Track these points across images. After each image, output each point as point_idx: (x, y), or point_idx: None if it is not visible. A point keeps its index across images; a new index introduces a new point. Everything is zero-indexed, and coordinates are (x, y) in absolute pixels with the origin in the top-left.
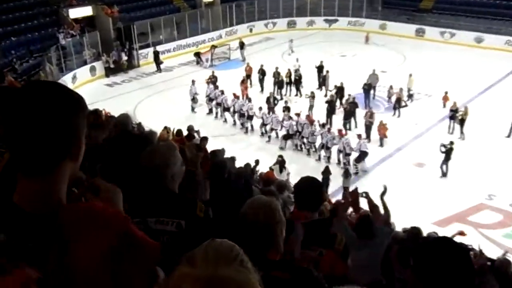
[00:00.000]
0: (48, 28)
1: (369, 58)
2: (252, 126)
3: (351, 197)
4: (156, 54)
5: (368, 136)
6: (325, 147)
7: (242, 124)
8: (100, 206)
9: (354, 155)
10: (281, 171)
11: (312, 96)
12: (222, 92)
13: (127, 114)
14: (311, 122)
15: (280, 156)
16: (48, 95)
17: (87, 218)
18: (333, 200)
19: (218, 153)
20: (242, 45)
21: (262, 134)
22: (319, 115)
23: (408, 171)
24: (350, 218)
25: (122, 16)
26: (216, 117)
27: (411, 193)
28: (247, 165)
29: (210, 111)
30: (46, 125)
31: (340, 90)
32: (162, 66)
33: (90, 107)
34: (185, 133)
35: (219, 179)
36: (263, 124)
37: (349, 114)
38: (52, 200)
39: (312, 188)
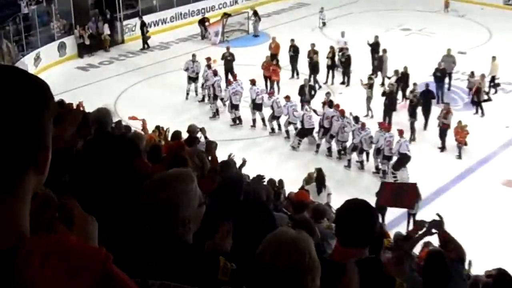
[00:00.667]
0: None
1: (443, 34)
2: (239, 118)
3: (417, 228)
4: (142, 26)
5: (443, 144)
6: (359, 149)
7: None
8: (74, 240)
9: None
10: (319, 191)
11: (370, 84)
12: (215, 74)
13: (106, 109)
14: (342, 113)
15: (319, 169)
16: (3, 85)
17: (58, 256)
18: (392, 233)
19: (230, 165)
20: (255, 14)
21: (273, 130)
22: (375, 111)
23: (494, 192)
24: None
25: None
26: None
27: (498, 221)
28: (270, 182)
29: (203, 99)
30: (1, 129)
31: (403, 78)
32: (152, 42)
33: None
34: (184, 135)
35: (230, 203)
36: (274, 117)
37: (424, 108)
38: (11, 230)
39: (360, 216)
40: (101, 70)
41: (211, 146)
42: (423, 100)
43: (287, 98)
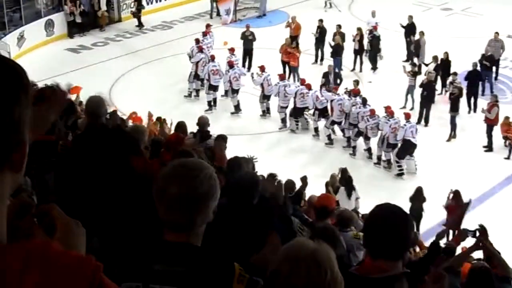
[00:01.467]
0: None
1: (490, 15)
2: (215, 99)
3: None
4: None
5: (489, 142)
6: (365, 135)
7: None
8: (58, 247)
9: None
10: (349, 195)
11: (414, 72)
12: (213, 59)
13: (99, 97)
14: (356, 93)
15: (344, 170)
16: None
17: (41, 264)
18: (427, 243)
19: (243, 163)
20: None
21: (264, 113)
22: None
23: None
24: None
25: None
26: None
27: None
28: (289, 183)
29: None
30: None
31: (442, 65)
32: (153, 20)
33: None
34: (190, 128)
35: (243, 207)
36: (265, 96)
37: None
38: None
39: (393, 224)
40: (94, 52)
41: (221, 142)
42: (469, 84)
43: (281, 76)
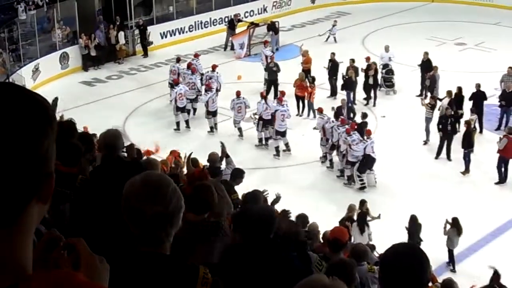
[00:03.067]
0: None
1: (504, 49)
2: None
3: None
4: (143, 30)
5: (501, 175)
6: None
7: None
8: (83, 278)
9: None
10: (362, 230)
11: (433, 105)
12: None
13: (116, 130)
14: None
15: (363, 201)
16: (1, 106)
17: None
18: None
19: (259, 197)
20: (273, 28)
21: (261, 143)
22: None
23: None
24: None
25: None
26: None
27: None
28: (301, 218)
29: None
30: (1, 155)
31: (456, 100)
32: (168, 54)
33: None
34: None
35: (260, 240)
36: (209, 113)
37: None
38: (12, 266)
39: (410, 263)
40: (109, 85)
41: (238, 176)
42: (474, 104)
43: (238, 93)
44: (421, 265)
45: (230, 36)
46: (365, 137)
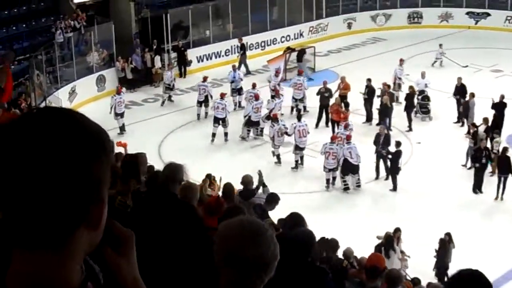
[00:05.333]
0: (41, 17)
1: None
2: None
3: None
4: (182, 51)
5: None
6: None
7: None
8: None
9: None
10: (388, 254)
11: (474, 133)
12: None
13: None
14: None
15: (397, 229)
16: (57, 131)
17: None
18: None
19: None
20: (301, 55)
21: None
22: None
23: None
24: None
25: (151, 1)
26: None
27: None
28: (331, 242)
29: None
30: (53, 178)
31: (492, 127)
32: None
33: None
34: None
35: (299, 264)
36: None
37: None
38: (60, 286)
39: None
40: (145, 108)
41: (273, 201)
42: (496, 113)
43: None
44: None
45: (243, 60)
46: (345, 142)
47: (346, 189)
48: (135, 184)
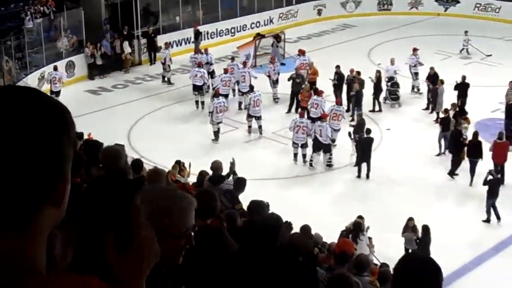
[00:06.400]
0: (10, 3)
1: (510, 63)
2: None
3: None
4: (152, 38)
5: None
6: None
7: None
8: (97, 282)
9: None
10: (356, 240)
11: (443, 120)
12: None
13: (119, 148)
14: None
15: (360, 217)
16: (18, 109)
17: None
18: None
19: (263, 205)
20: (278, 40)
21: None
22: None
23: None
24: None
25: None
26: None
27: None
28: (305, 229)
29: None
30: (18, 155)
31: (460, 113)
32: (174, 64)
33: None
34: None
35: (267, 250)
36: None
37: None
38: (25, 267)
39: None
40: (114, 94)
41: (240, 187)
42: (458, 94)
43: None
44: (436, 279)
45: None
46: (319, 121)
47: (310, 165)
48: (96, 172)
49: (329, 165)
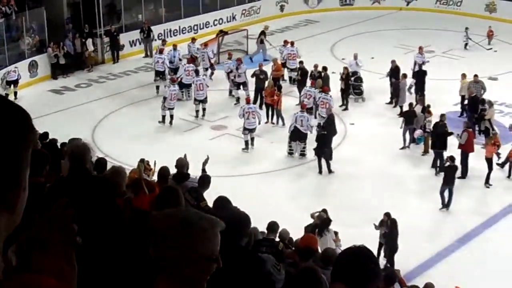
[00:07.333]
0: None
1: (472, 57)
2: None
3: None
4: (114, 37)
5: (464, 170)
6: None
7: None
8: (53, 283)
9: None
10: (321, 234)
11: (406, 114)
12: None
13: (84, 144)
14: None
15: (323, 210)
16: None
17: None
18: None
19: (228, 201)
20: (264, 35)
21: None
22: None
23: None
24: None
25: None
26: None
27: None
28: (272, 227)
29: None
30: None
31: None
32: (137, 62)
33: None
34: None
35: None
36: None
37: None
38: None
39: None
40: (78, 93)
41: (204, 184)
42: (416, 81)
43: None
44: (369, 259)
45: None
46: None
47: (290, 153)
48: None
49: (302, 153)
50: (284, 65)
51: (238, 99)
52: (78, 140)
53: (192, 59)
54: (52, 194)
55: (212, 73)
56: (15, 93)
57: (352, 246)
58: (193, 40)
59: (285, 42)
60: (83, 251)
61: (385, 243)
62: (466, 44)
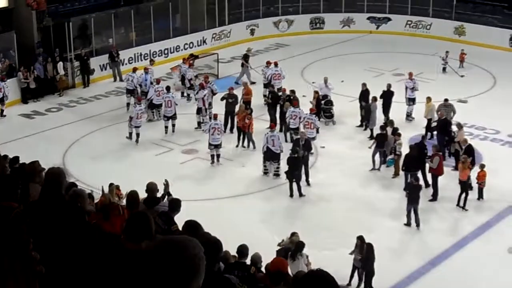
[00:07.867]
0: None
1: (442, 80)
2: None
3: None
4: (85, 60)
5: (435, 192)
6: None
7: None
8: None
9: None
10: (294, 257)
11: (378, 137)
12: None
13: (60, 169)
14: None
15: (294, 233)
16: None
17: None
18: None
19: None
20: (246, 59)
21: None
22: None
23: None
24: None
25: (53, 10)
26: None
27: None
28: (241, 252)
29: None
30: None
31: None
32: (107, 86)
33: None
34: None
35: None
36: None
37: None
38: None
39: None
40: (48, 117)
41: (175, 208)
42: (384, 102)
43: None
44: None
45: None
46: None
47: (265, 173)
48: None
49: (276, 174)
50: (268, 85)
51: (198, 124)
52: (54, 166)
53: (159, 80)
54: (23, 218)
55: (189, 95)
56: (1, 111)
57: (313, 269)
58: (151, 61)
59: (268, 63)
60: (53, 276)
61: (362, 268)
62: (444, 68)
